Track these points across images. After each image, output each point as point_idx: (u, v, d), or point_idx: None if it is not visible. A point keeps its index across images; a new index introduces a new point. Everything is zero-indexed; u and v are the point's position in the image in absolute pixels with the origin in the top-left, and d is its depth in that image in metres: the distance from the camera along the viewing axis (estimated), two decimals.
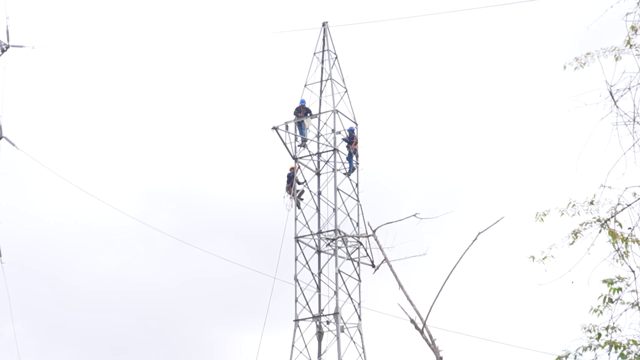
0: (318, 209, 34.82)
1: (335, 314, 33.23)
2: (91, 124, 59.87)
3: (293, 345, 33.47)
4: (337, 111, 35.27)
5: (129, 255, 58.49)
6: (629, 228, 12.23)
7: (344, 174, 35.17)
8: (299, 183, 35.45)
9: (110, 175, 57.60)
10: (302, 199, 35.25)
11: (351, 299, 33.73)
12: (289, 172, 35.45)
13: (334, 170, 34.83)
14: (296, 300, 33.89)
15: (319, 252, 34.45)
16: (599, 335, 12.26)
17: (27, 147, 37.25)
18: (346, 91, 35.86)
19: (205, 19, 61.93)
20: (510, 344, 33.44)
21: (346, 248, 34.09)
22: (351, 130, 35.40)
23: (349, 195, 34.85)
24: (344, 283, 33.66)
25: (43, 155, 45.26)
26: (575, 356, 12.37)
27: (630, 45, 12.07)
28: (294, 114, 35.50)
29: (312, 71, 36.02)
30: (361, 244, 34.10)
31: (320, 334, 33.58)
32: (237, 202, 55.63)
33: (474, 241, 14.02)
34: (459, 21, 61.90)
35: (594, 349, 12.28)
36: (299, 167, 35.43)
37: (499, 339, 44.38)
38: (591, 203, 12.24)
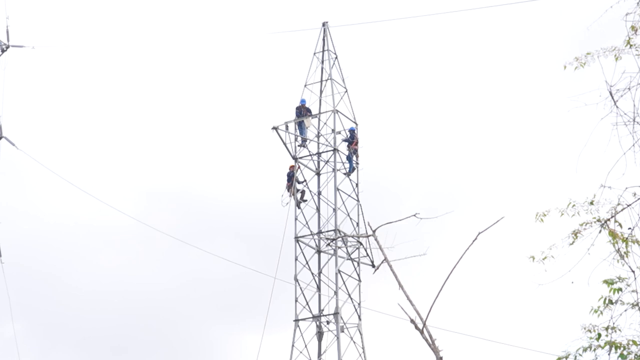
0: (318, 209, 34.82)
1: (335, 314, 33.22)
2: (91, 124, 59.94)
3: (293, 345, 33.46)
4: (337, 111, 35.27)
5: (129, 255, 58.54)
6: (629, 228, 12.22)
7: (344, 174, 35.17)
8: (299, 182, 35.43)
9: (110, 175, 57.67)
10: (305, 200, 35.23)
11: (351, 299, 33.72)
12: (289, 171, 35.45)
13: (334, 170, 34.83)
14: (296, 300, 33.89)
15: (319, 252, 34.44)
16: (599, 335, 12.24)
17: (27, 147, 37.27)
18: (346, 91, 35.87)
19: (205, 19, 61.98)
20: (510, 344, 33.45)
21: (346, 248, 34.08)
22: (352, 131, 35.39)
23: (349, 195, 34.85)
24: (344, 283, 33.67)
25: (43, 155, 45.28)
26: (576, 357, 12.35)
27: (630, 45, 12.06)
28: (296, 114, 35.49)
29: (312, 71, 36.06)
30: (361, 244, 34.09)
31: (320, 334, 33.57)
32: (237, 202, 55.68)
33: (474, 241, 14.01)
34: (459, 21, 61.95)
35: (594, 350, 12.27)
36: (298, 167, 35.42)
37: (499, 339, 44.37)
38: (591, 203, 12.23)
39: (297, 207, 35.07)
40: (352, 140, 35.27)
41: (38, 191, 57.05)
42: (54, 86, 60.15)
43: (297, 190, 35.30)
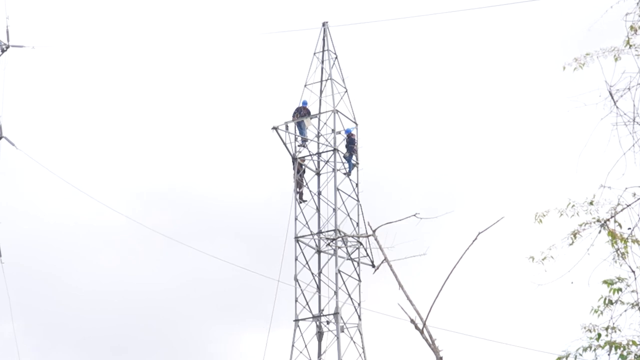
0: (318, 209, 34.81)
1: (335, 314, 33.22)
2: (91, 124, 59.96)
3: (293, 345, 33.46)
4: (337, 111, 35.27)
5: (129, 256, 58.52)
6: (629, 228, 12.21)
7: (344, 174, 35.16)
8: (300, 181, 35.38)
9: (110, 176, 57.69)
10: (305, 201, 35.23)
11: (351, 299, 33.72)
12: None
13: (334, 170, 34.82)
14: (296, 300, 33.89)
15: (319, 252, 34.44)
16: (599, 335, 12.23)
17: (27, 147, 37.24)
18: (346, 91, 35.87)
19: (204, 19, 61.99)
20: (510, 344, 33.42)
21: (346, 248, 34.08)
22: (349, 133, 35.27)
23: (349, 195, 34.85)
24: (344, 283, 33.67)
25: (43, 155, 45.21)
26: (576, 357, 12.34)
27: (630, 46, 12.04)
28: (298, 113, 35.45)
29: (312, 71, 36.06)
30: (361, 244, 34.09)
31: (320, 334, 33.57)
32: (237, 202, 55.69)
33: (474, 241, 14.01)
34: (459, 21, 61.99)
35: (594, 350, 12.25)
36: (300, 167, 35.38)
37: (499, 339, 44.35)
38: (591, 203, 12.22)
39: (298, 205, 35.01)
40: (352, 143, 35.23)
41: (38, 191, 57.05)
42: (54, 86, 60.20)
43: (298, 189, 35.28)
